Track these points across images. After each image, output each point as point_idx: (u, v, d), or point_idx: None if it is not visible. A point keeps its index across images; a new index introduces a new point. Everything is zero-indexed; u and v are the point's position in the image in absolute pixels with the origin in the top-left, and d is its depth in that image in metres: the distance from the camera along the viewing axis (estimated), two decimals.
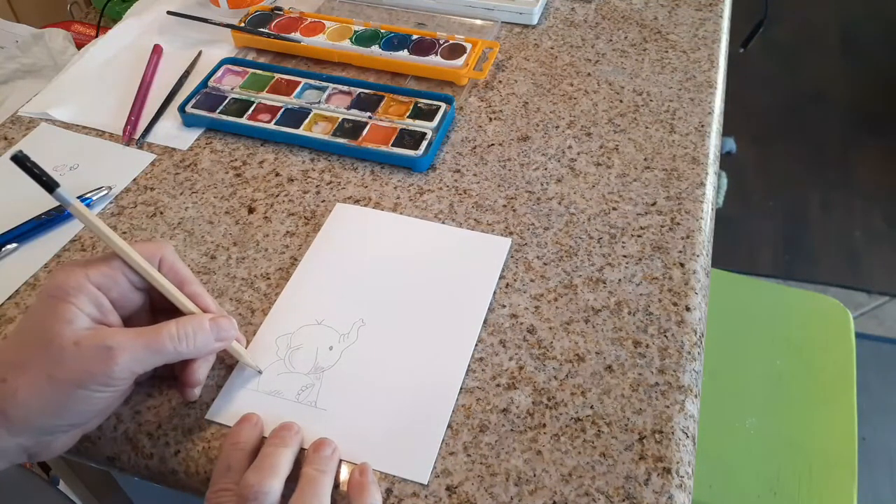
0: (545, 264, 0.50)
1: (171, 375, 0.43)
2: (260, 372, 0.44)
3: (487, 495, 0.39)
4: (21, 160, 0.35)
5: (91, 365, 0.34)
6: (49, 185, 0.36)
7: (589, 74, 0.66)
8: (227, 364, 0.45)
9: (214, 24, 0.71)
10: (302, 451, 0.40)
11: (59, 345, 0.34)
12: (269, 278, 0.50)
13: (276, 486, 0.36)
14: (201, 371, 0.41)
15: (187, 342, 0.38)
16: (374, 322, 0.47)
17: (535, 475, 0.39)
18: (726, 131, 0.75)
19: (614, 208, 0.54)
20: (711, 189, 0.56)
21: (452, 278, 0.49)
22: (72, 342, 0.34)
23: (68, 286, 0.36)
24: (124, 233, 0.54)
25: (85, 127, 0.63)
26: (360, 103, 0.61)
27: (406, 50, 0.66)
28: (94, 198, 0.56)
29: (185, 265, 0.42)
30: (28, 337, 0.36)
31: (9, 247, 0.52)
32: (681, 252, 0.51)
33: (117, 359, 0.35)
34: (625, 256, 0.51)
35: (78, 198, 0.55)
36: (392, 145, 0.58)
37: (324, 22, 0.70)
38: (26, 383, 0.34)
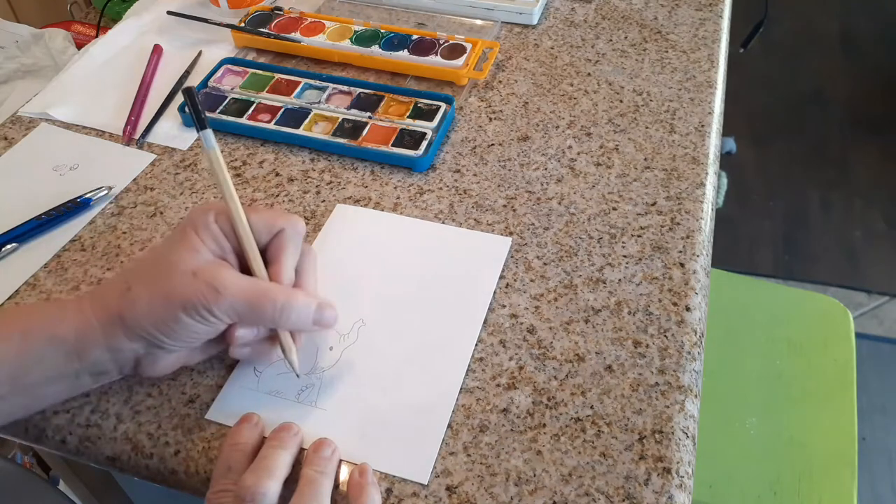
0: (545, 264, 0.50)
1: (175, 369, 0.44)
2: (298, 376, 0.43)
3: (487, 495, 0.39)
4: (190, 93, 0.42)
5: (199, 296, 0.38)
6: (202, 122, 0.42)
7: (589, 74, 0.66)
8: (226, 364, 0.45)
9: (214, 24, 0.71)
10: (302, 451, 0.40)
11: (181, 270, 0.38)
12: None
13: (272, 487, 0.36)
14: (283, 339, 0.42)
15: (287, 317, 0.40)
16: (375, 322, 0.47)
17: (535, 475, 0.39)
18: (726, 131, 0.75)
19: (614, 208, 0.54)
20: (711, 189, 0.56)
21: (453, 278, 0.49)
22: (191, 271, 0.38)
23: (199, 222, 0.40)
24: (124, 232, 0.54)
25: (85, 127, 0.63)
26: (360, 103, 0.61)
27: (406, 50, 0.66)
28: (94, 198, 0.56)
29: (305, 246, 0.44)
30: (158, 256, 0.40)
31: (8, 247, 0.52)
32: (681, 252, 0.51)
33: (220, 300, 0.38)
34: (625, 256, 0.51)
35: (78, 198, 0.55)
36: (392, 145, 0.58)
37: (324, 22, 0.70)
38: (146, 296, 0.38)
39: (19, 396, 0.39)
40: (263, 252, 0.42)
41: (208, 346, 0.43)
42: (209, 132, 0.42)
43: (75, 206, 0.55)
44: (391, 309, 0.47)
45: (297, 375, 0.43)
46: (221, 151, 0.60)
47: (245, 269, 0.42)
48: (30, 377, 0.38)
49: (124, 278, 0.40)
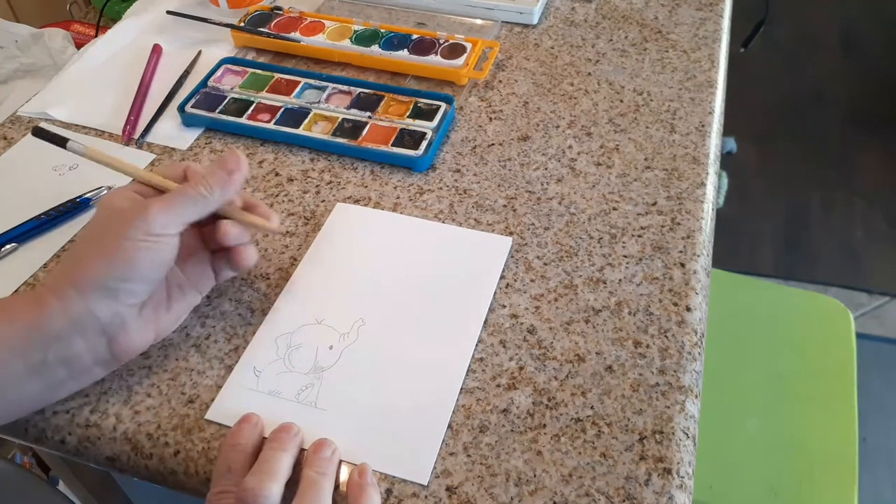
0: (545, 264, 0.50)
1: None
2: (281, 233, 0.47)
3: (487, 496, 0.39)
4: (38, 131, 0.44)
5: (130, 216, 0.40)
6: (60, 141, 0.44)
7: (589, 74, 0.66)
8: (226, 364, 0.45)
9: (214, 23, 0.71)
10: (302, 451, 0.40)
11: (108, 214, 0.41)
12: (268, 278, 0.50)
13: (275, 489, 0.36)
14: (234, 230, 0.45)
15: (205, 184, 0.42)
16: (375, 321, 0.47)
17: (535, 476, 0.39)
18: (726, 131, 0.75)
19: (615, 208, 0.54)
20: (712, 189, 0.56)
21: (453, 277, 0.49)
22: (116, 210, 0.41)
23: (112, 198, 0.42)
24: None
25: (84, 127, 0.63)
26: (359, 103, 0.61)
27: (406, 49, 0.66)
28: (94, 198, 0.55)
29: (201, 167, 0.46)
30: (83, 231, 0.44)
31: (8, 247, 0.52)
32: (681, 252, 0.51)
33: (149, 209, 0.40)
34: (625, 256, 0.50)
35: (77, 198, 0.55)
36: (392, 145, 0.57)
37: (323, 21, 0.70)
38: (86, 249, 0.41)
39: None
40: None
41: (174, 300, 0.44)
42: (73, 143, 0.44)
43: (75, 207, 0.55)
44: (391, 308, 0.47)
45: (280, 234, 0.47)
46: (221, 151, 0.60)
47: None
48: None
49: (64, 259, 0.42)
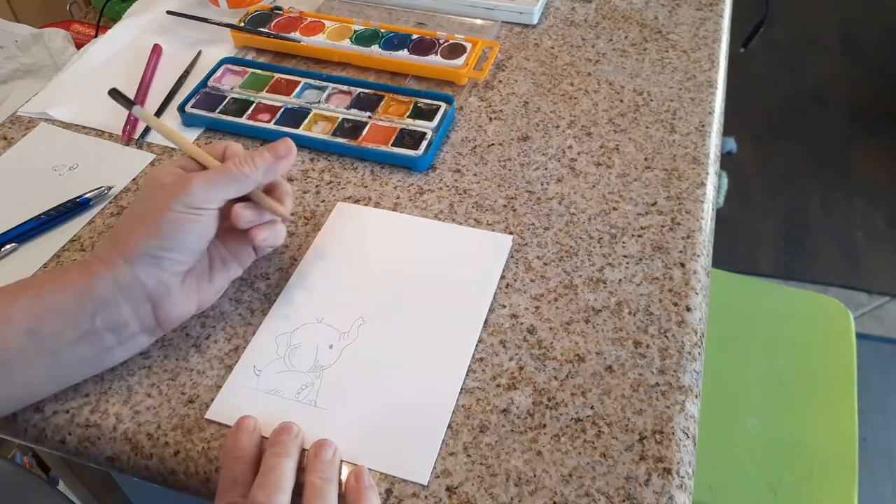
0: (545, 264, 0.50)
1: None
2: (290, 221, 0.48)
3: (487, 496, 0.39)
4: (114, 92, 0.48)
5: (173, 190, 0.42)
6: (128, 102, 0.49)
7: (589, 74, 0.66)
8: (226, 364, 0.45)
9: (214, 23, 0.71)
10: (302, 451, 0.40)
11: (152, 187, 0.43)
12: (268, 278, 0.50)
13: (283, 501, 0.36)
14: (248, 214, 0.45)
15: (250, 164, 0.44)
16: (375, 321, 0.47)
17: (535, 476, 0.39)
18: (726, 131, 0.75)
19: (615, 208, 0.54)
20: (712, 189, 0.56)
21: (453, 277, 0.49)
22: (160, 184, 0.43)
23: (158, 173, 0.44)
24: None
25: (84, 127, 0.63)
26: (359, 103, 0.61)
27: (406, 49, 0.66)
28: (94, 197, 0.55)
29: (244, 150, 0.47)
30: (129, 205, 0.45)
31: (8, 247, 0.52)
32: (681, 252, 0.51)
33: (191, 182, 0.42)
34: (625, 256, 0.50)
35: (77, 198, 0.55)
36: (392, 145, 0.57)
37: (323, 21, 0.70)
38: (131, 220, 0.43)
39: (42, 357, 0.40)
40: None
41: (215, 272, 0.46)
42: (136, 108, 0.49)
43: (74, 206, 0.55)
44: (392, 308, 0.47)
45: (291, 221, 0.48)
46: None
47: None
48: (46, 327, 0.39)
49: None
